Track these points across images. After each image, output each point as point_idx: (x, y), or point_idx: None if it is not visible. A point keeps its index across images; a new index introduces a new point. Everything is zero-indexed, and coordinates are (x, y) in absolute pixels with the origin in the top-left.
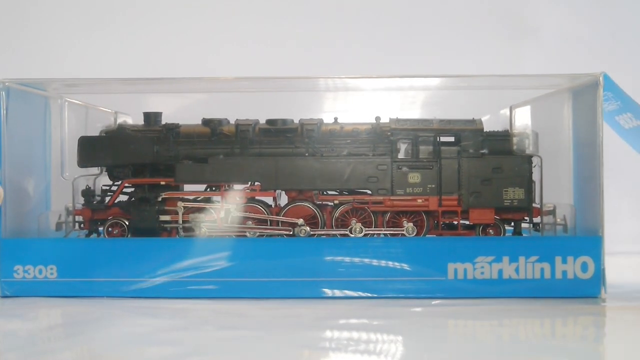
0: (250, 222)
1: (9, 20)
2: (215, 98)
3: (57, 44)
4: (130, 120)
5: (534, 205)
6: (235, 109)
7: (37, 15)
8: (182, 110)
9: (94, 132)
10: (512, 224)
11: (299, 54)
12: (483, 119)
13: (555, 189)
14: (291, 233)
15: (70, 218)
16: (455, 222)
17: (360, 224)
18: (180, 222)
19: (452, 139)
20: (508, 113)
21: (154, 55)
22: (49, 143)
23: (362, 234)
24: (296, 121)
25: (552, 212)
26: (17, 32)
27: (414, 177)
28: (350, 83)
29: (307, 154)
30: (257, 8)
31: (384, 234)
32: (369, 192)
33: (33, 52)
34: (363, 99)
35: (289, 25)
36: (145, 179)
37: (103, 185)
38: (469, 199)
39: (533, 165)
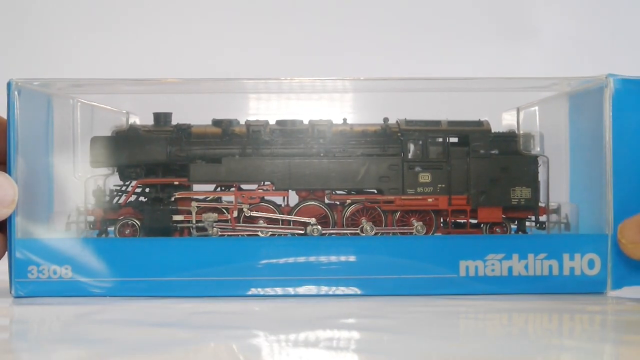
0: (262, 222)
1: (14, 21)
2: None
3: (59, 45)
4: (138, 120)
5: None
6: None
7: (40, 17)
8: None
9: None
10: (516, 222)
11: (298, 56)
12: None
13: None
14: (304, 232)
15: (81, 218)
16: (462, 221)
17: (370, 222)
18: (194, 221)
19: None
20: (502, 115)
21: (154, 55)
22: (59, 143)
23: (373, 232)
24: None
25: (557, 211)
26: (22, 32)
27: (425, 177)
28: (357, 84)
29: (321, 154)
30: (256, 10)
31: (394, 232)
32: (374, 192)
33: (38, 52)
34: (363, 100)
35: (288, 27)
36: (158, 179)
37: (114, 185)
38: (478, 198)
39: (539, 165)
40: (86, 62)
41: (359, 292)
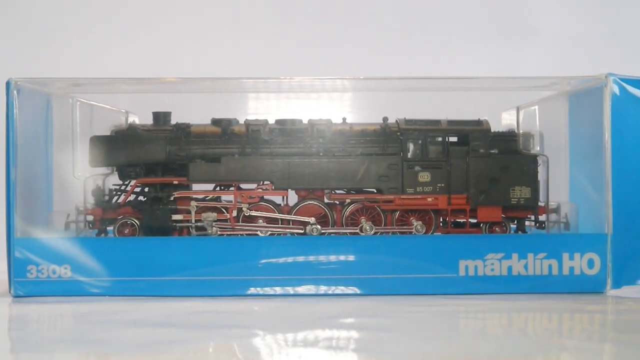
0: (261, 221)
1: (14, 21)
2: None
3: (59, 44)
4: (137, 120)
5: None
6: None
7: (39, 16)
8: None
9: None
10: (516, 221)
11: (297, 55)
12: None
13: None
14: (303, 232)
15: (80, 217)
16: (461, 220)
17: (370, 222)
18: (193, 221)
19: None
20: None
21: (153, 55)
22: (58, 142)
23: (372, 232)
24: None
25: (557, 210)
26: (21, 32)
27: (424, 176)
28: (356, 84)
29: (320, 154)
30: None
31: (393, 232)
32: (373, 191)
33: (37, 51)
34: (362, 100)
35: (286, 26)
36: (158, 179)
37: (113, 185)
38: (477, 198)
39: (538, 164)
40: (86, 61)
41: (358, 291)
